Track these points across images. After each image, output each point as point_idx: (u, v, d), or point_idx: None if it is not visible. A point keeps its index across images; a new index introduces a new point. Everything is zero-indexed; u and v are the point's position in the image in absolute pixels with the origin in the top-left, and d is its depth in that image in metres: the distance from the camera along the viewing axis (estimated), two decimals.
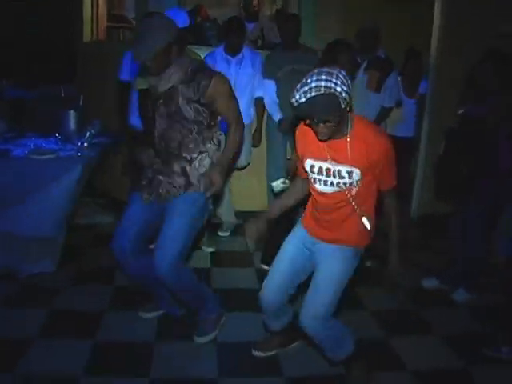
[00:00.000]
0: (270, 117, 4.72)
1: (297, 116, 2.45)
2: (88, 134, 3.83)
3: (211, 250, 4.52)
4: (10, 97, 5.75)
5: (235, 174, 4.77)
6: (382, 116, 4.61)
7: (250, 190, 4.93)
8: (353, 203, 2.51)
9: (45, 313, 3.38)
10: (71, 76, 6.67)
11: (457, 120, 3.85)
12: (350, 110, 2.37)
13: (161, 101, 2.87)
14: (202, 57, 4.47)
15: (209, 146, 2.97)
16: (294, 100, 2.23)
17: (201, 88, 2.80)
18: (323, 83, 2.15)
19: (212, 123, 2.95)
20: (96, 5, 6.42)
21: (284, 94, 4.45)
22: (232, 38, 4.45)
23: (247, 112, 4.57)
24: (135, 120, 4.53)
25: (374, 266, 4.19)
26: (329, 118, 2.21)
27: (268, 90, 4.58)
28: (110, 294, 3.68)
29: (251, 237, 2.82)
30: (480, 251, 3.80)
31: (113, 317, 3.41)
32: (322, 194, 2.55)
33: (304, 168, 2.57)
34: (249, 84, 4.57)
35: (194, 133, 2.89)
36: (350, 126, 2.38)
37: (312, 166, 2.51)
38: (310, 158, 2.51)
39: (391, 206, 2.58)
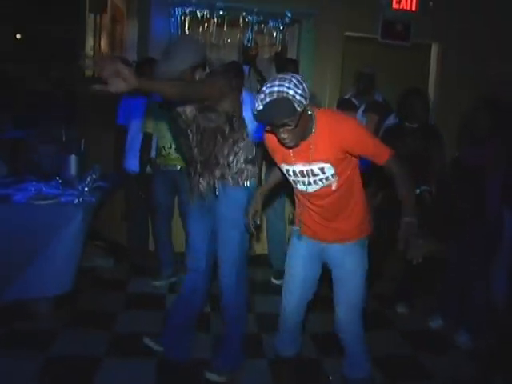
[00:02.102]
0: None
1: (259, 124, 2.52)
2: (89, 178, 3.84)
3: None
4: (10, 137, 5.80)
5: None
6: None
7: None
8: (339, 196, 2.56)
9: (40, 358, 3.32)
10: (72, 117, 6.74)
11: (450, 163, 3.90)
12: (311, 112, 2.40)
13: (189, 122, 3.00)
14: None
15: (241, 144, 3.07)
16: (254, 109, 2.27)
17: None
18: (276, 88, 2.20)
19: (234, 126, 3.00)
20: (98, 48, 6.51)
21: None
22: (230, 82, 4.50)
23: None
24: (131, 164, 4.58)
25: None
26: (285, 121, 2.24)
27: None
28: (107, 340, 3.62)
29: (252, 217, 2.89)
30: (481, 293, 3.81)
31: (109, 363, 3.34)
32: (307, 193, 2.61)
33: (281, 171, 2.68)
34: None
35: (222, 139, 2.99)
36: (313, 126, 2.42)
37: (287, 170, 2.61)
38: (282, 163, 2.61)
39: (393, 172, 2.52)
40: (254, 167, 3.17)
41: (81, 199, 3.68)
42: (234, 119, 2.99)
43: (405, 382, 3.39)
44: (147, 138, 4.42)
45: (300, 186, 2.61)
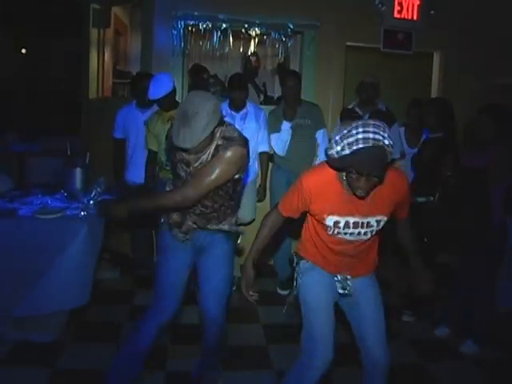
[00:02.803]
0: (273, 171, 4.78)
1: (335, 168, 2.34)
2: (94, 191, 3.85)
3: None
4: (15, 151, 5.84)
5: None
6: None
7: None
8: (372, 241, 2.55)
9: (48, 370, 3.33)
10: (76, 130, 6.78)
11: (453, 170, 3.89)
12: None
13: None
14: None
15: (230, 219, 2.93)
16: (333, 151, 2.18)
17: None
18: (371, 135, 2.09)
19: (227, 192, 2.81)
20: (102, 61, 6.56)
21: (288, 147, 4.57)
22: (235, 94, 4.54)
23: (252, 167, 4.65)
24: (133, 175, 4.60)
25: None
26: (376, 172, 2.15)
27: (276, 141, 4.68)
28: (114, 352, 3.59)
29: (248, 289, 2.66)
30: (487, 303, 3.81)
31: None
32: (346, 242, 2.49)
33: (324, 224, 2.45)
34: (253, 139, 4.62)
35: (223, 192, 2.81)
36: None
37: (337, 222, 2.42)
38: (333, 214, 2.41)
39: (406, 229, 2.65)
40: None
41: (86, 212, 3.69)
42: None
43: None
44: (152, 156, 4.41)
45: (347, 237, 2.46)
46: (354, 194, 2.31)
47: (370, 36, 5.62)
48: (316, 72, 5.58)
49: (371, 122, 2.15)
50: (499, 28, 5.72)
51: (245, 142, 2.72)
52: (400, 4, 5.63)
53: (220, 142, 2.67)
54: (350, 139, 2.11)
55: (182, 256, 2.95)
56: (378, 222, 2.42)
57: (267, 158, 4.79)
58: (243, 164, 2.74)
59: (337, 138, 2.17)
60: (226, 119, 4.48)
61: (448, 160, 3.87)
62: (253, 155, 4.68)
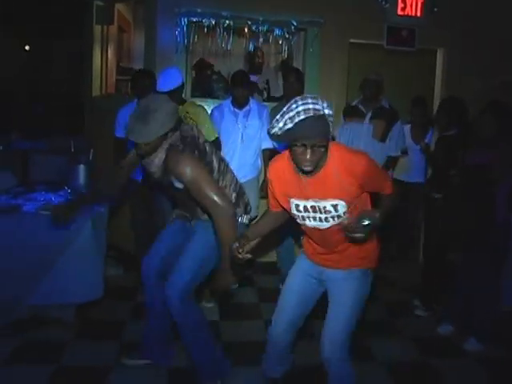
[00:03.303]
0: None
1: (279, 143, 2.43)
2: None
3: (210, 305, 4.42)
4: (19, 148, 5.85)
5: None
6: (389, 165, 4.66)
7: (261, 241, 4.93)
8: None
9: (51, 367, 3.35)
10: (80, 128, 6.80)
11: (457, 169, 3.90)
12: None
13: (155, 176, 2.91)
14: (209, 109, 4.56)
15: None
16: (276, 129, 2.22)
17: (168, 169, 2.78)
18: (311, 106, 2.15)
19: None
20: (105, 58, 6.57)
21: None
22: (237, 91, 4.53)
23: (255, 164, 4.67)
24: (134, 173, 4.59)
25: None
26: (319, 140, 2.17)
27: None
28: (118, 349, 3.63)
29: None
30: (490, 301, 3.81)
31: (120, 373, 3.35)
32: (314, 228, 2.53)
33: (289, 207, 2.52)
34: (256, 136, 4.64)
35: (191, 200, 2.90)
36: (327, 155, 2.33)
37: (297, 205, 2.48)
38: (292, 197, 2.47)
39: (387, 197, 2.51)
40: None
41: (89, 209, 3.70)
42: None
43: None
44: None
45: (308, 222, 2.51)
46: (302, 172, 2.34)
47: (374, 33, 5.62)
48: (319, 69, 5.58)
49: (309, 95, 2.22)
50: (503, 25, 5.71)
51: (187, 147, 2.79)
52: (403, 1, 5.63)
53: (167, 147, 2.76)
54: (291, 113, 2.17)
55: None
56: (334, 206, 2.38)
57: (270, 154, 4.79)
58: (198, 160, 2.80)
59: (277, 116, 2.23)
60: (229, 116, 4.54)
61: (457, 158, 3.89)
62: (256, 152, 4.69)
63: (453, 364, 3.68)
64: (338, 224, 2.43)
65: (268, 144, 4.69)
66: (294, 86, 4.58)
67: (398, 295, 4.85)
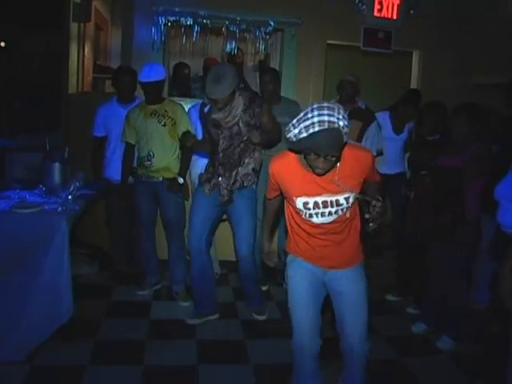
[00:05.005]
0: None
1: (293, 150, 2.47)
2: (72, 186, 3.84)
3: (186, 304, 4.43)
4: None
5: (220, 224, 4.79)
6: None
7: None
8: (348, 222, 2.59)
9: (25, 366, 3.29)
10: (56, 126, 6.74)
11: (428, 169, 3.94)
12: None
13: (225, 128, 3.74)
14: (186, 108, 4.55)
15: (256, 154, 3.89)
16: (291, 135, 2.24)
17: (256, 114, 3.73)
18: (326, 118, 2.15)
19: None
20: (82, 56, 6.52)
21: None
22: None
23: None
24: (113, 172, 4.58)
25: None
26: (333, 152, 2.23)
27: None
28: (91, 348, 3.61)
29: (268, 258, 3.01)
30: (462, 299, 3.86)
31: (93, 371, 3.32)
32: (318, 225, 2.56)
33: (294, 207, 2.56)
34: None
35: (247, 146, 3.80)
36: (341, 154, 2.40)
37: (306, 203, 2.50)
38: (301, 196, 2.50)
39: (373, 186, 2.69)
40: (256, 176, 3.94)
41: (64, 207, 3.67)
42: None
43: None
44: (129, 149, 4.43)
45: (315, 219, 2.53)
46: (314, 173, 2.39)
47: (351, 34, 5.66)
48: (296, 69, 5.60)
49: (325, 104, 2.22)
50: (479, 28, 5.81)
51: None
52: (380, 3, 5.68)
53: (246, 102, 3.72)
54: (307, 122, 2.18)
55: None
56: (346, 199, 2.48)
57: None
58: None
59: (294, 121, 2.24)
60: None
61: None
62: None
63: (426, 362, 3.72)
64: (343, 215, 2.53)
65: None
66: (270, 85, 4.59)
67: (372, 294, 4.87)
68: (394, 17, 5.73)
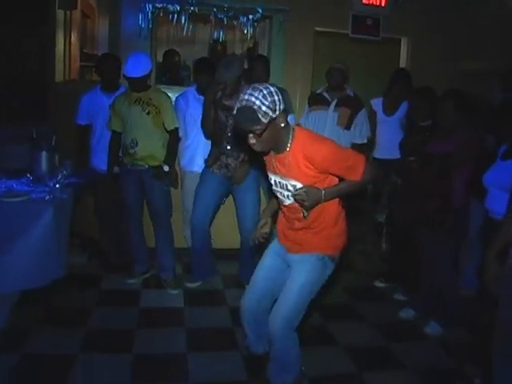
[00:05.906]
0: None
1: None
2: (60, 175, 3.81)
3: (176, 292, 4.45)
4: None
5: None
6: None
7: (224, 228, 4.94)
8: (304, 213, 2.62)
9: (14, 356, 3.29)
10: (43, 114, 6.67)
11: (416, 155, 3.94)
12: (287, 124, 2.48)
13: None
14: (174, 97, 4.53)
15: None
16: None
17: None
18: (246, 97, 2.34)
19: None
20: (69, 44, 6.45)
21: None
22: (201, 78, 4.50)
23: None
24: (99, 162, 4.55)
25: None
26: (249, 128, 2.37)
27: None
28: (81, 337, 3.61)
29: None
30: (450, 285, 3.89)
31: (84, 360, 3.32)
32: (284, 205, 2.73)
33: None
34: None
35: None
36: (290, 139, 2.51)
37: (271, 179, 2.73)
38: (268, 171, 2.73)
39: (352, 182, 2.62)
40: None
41: (52, 196, 3.65)
42: None
43: (378, 372, 3.44)
44: (116, 137, 4.40)
45: (280, 197, 2.72)
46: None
47: (339, 22, 5.66)
48: (284, 57, 5.60)
49: (261, 86, 2.38)
50: (468, 14, 5.81)
51: None
52: None
53: None
54: (237, 102, 2.38)
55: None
56: (293, 186, 2.56)
57: None
58: None
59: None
60: (194, 103, 4.55)
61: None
62: None
63: (414, 348, 3.76)
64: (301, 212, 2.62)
65: None
66: (259, 73, 4.58)
67: (362, 280, 4.92)
68: (383, 4, 5.73)
